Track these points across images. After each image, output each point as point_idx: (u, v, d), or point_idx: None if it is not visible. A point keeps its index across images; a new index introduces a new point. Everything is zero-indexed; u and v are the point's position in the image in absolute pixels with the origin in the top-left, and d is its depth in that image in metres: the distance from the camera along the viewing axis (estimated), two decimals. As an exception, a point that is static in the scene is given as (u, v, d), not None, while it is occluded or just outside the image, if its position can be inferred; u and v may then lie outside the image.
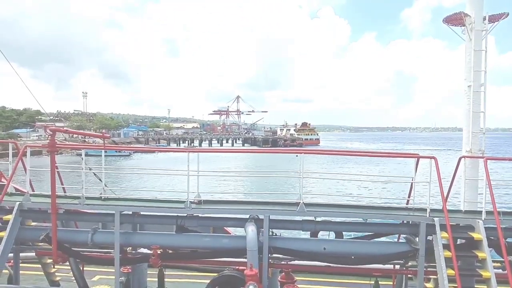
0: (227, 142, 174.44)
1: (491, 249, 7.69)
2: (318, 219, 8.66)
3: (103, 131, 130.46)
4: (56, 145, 8.56)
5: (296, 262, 9.06)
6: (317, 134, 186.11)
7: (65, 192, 9.56)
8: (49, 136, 8.35)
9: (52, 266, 9.78)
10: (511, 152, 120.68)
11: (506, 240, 7.78)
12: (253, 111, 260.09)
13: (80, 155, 9.08)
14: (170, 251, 9.04)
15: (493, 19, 9.64)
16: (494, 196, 7.56)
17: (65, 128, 9.62)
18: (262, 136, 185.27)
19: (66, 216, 9.26)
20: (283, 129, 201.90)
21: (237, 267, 8.69)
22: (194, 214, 8.60)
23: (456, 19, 9.90)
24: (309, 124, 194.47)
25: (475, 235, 7.58)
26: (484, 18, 9.53)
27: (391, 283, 9.96)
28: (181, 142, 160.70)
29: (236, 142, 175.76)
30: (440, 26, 10.28)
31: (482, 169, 8.47)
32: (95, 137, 11.73)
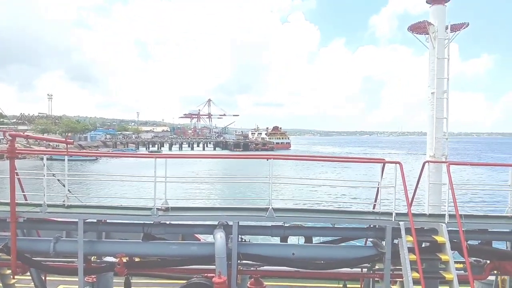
0: (198, 146, 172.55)
1: (454, 251, 7.93)
2: (287, 224, 8.69)
3: (69, 134, 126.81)
4: (16, 151, 8.22)
5: (266, 267, 9.05)
6: (288, 138, 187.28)
7: (26, 199, 9.21)
8: (9, 142, 8.01)
9: (11, 277, 9.36)
10: (472, 155, 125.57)
11: (468, 242, 8.04)
12: (224, 115, 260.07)
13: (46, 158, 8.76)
14: (136, 260, 8.84)
15: (455, 28, 9.98)
16: (456, 199, 7.81)
17: (26, 133, 9.24)
18: (233, 140, 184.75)
19: (27, 225, 8.91)
20: (254, 133, 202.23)
21: (205, 275, 8.59)
22: (161, 222, 8.45)
23: (420, 28, 10.19)
24: (280, 128, 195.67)
25: (438, 238, 7.79)
26: (447, 28, 9.86)
27: (359, 286, 10.10)
28: (150, 146, 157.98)
29: (207, 146, 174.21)
30: (407, 33, 10.55)
31: (445, 173, 8.72)
32: (58, 142, 11.36)
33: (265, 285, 9.36)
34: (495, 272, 8.97)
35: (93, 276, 9.01)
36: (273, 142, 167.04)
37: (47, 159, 8.95)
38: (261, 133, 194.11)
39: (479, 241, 8.87)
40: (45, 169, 8.43)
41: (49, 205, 8.41)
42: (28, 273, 9.07)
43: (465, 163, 13.77)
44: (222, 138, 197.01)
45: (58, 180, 9.41)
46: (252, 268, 9.05)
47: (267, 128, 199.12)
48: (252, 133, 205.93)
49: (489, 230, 8.65)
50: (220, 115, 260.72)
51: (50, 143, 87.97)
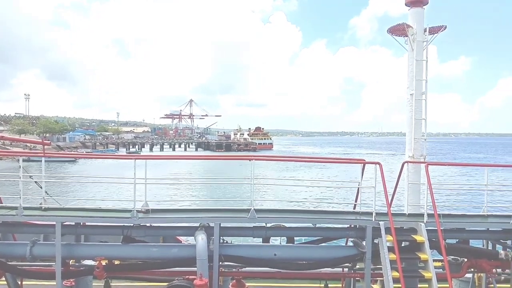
0: (179, 146, 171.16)
1: (433, 250, 8.07)
2: (269, 225, 8.69)
3: (47, 135, 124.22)
4: (-10, 152, 8.01)
5: (247, 269, 9.03)
6: (271, 139, 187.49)
7: (1, 202, 8.98)
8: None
9: None
10: (450, 156, 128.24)
11: (446, 241, 8.20)
12: (206, 115, 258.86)
13: (23, 160, 8.55)
14: (116, 263, 8.71)
15: (433, 31, 10.15)
16: (434, 199, 7.95)
17: (1, 135, 8.98)
18: (215, 140, 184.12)
19: (3, 229, 8.68)
20: (236, 134, 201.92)
21: (186, 277, 8.52)
22: (142, 224, 8.34)
23: (399, 30, 10.33)
24: (263, 128, 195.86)
25: (417, 238, 7.92)
26: (425, 30, 10.01)
27: (340, 286, 10.17)
28: (130, 146, 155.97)
29: (189, 146, 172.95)
30: (387, 34, 10.69)
31: (424, 173, 8.87)
32: (34, 143, 11.09)
33: (247, 286, 9.34)
34: (472, 270, 9.18)
35: (71, 280, 8.84)
36: (256, 143, 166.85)
37: (24, 160, 8.74)
38: (243, 134, 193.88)
39: (457, 240, 9.06)
40: (21, 170, 8.22)
41: (25, 208, 8.20)
42: (3, 278, 8.83)
43: (443, 164, 14.09)
44: (204, 138, 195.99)
45: (35, 182, 9.19)
46: (234, 270, 9.03)
47: (250, 128, 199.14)
48: (234, 134, 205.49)
49: (466, 229, 8.85)
50: (202, 116, 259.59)
51: (27, 144, 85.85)
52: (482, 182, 9.19)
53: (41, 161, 8.77)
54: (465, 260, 8.92)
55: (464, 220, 8.87)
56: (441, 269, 8.90)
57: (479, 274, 9.52)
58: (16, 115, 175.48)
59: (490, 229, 8.98)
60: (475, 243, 9.59)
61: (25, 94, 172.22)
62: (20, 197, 8.09)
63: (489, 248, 9.27)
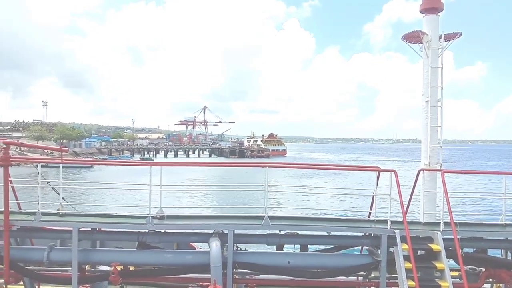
0: (193, 153, 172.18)
1: (449, 259, 7.95)
2: (283, 232, 8.69)
3: (64, 141, 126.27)
4: (10, 159, 8.19)
5: (261, 276, 9.02)
6: (284, 145, 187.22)
7: (20, 208, 9.16)
8: (3, 150, 7.99)
9: (4, 286, 9.27)
10: (465, 163, 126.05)
11: (463, 250, 8.07)
12: (220, 122, 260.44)
13: (41, 167, 8.73)
14: (131, 268, 8.80)
15: (448, 37, 10.06)
16: (451, 207, 7.84)
17: (20, 141, 9.21)
18: (229, 147, 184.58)
19: (21, 234, 8.86)
20: (250, 140, 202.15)
21: (200, 283, 8.55)
22: (156, 230, 8.42)
23: (414, 37, 10.26)
24: (276, 135, 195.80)
25: (434, 247, 7.82)
26: (440, 37, 9.93)
27: (355, 295, 10.07)
28: (145, 153, 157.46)
29: (203, 152, 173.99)
30: (401, 40, 10.63)
31: (440, 181, 8.76)
32: (52, 150, 11.31)
33: None
34: (490, 280, 9.00)
35: (87, 285, 8.95)
36: (269, 149, 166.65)
37: (42, 166, 8.92)
38: (256, 140, 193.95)
39: (474, 249, 8.91)
40: (40, 177, 8.39)
41: (43, 214, 8.37)
42: (21, 283, 8.99)
43: (459, 171, 13.81)
44: (217, 145, 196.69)
45: (53, 188, 9.37)
46: (247, 277, 9.03)
47: (263, 135, 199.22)
48: (248, 140, 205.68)
49: (484, 238, 8.69)
50: (216, 122, 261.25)
51: (45, 150, 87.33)
52: (499, 190, 9.03)
53: (58, 167, 8.94)
54: (483, 270, 8.76)
55: (481, 229, 8.72)
56: (458, 279, 8.75)
57: (497, 285, 9.33)
58: (34, 121, 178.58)
59: (508, 238, 8.81)
60: (493, 253, 9.41)
61: (42, 101, 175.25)
62: (38, 203, 8.26)
63: (508, 258, 9.09)
